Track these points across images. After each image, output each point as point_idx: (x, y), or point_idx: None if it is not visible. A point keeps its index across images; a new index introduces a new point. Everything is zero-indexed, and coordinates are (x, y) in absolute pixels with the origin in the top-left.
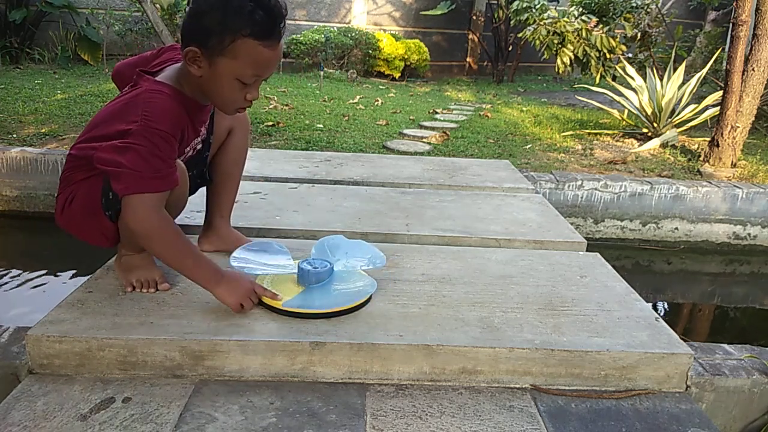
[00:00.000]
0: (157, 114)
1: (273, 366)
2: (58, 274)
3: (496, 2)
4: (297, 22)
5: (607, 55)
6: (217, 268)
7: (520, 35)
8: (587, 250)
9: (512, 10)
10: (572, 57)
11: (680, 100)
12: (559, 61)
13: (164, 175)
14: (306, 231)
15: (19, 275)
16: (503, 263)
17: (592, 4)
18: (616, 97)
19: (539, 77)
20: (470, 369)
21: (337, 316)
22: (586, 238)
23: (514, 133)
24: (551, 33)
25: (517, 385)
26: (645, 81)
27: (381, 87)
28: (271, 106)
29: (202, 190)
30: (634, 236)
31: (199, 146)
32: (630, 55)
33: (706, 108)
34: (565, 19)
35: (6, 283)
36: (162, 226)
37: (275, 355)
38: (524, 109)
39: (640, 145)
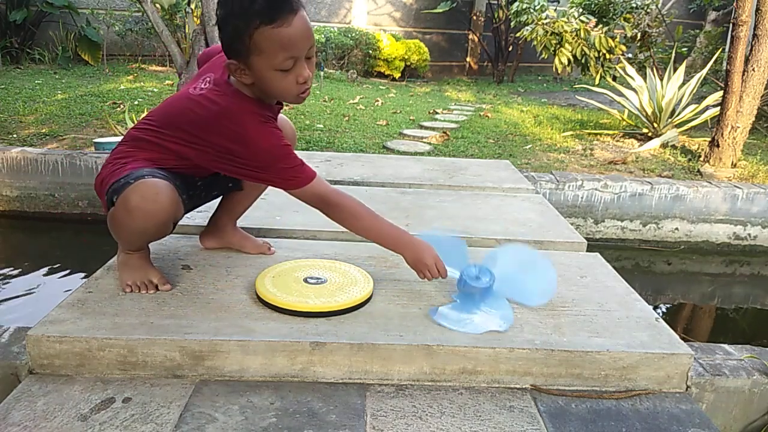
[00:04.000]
0: (264, 133)
1: (273, 366)
2: (58, 274)
3: (496, 2)
4: None
5: (607, 56)
6: (403, 231)
7: (518, 34)
8: (587, 251)
9: (512, 11)
10: (570, 57)
11: (680, 100)
12: (557, 61)
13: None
14: (306, 231)
15: (19, 275)
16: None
17: (592, 5)
18: (616, 98)
19: (539, 77)
20: (470, 369)
21: (337, 315)
22: (586, 238)
23: (514, 133)
24: (549, 33)
25: (518, 386)
26: (645, 81)
27: (381, 87)
28: None
29: None
30: (634, 236)
31: None
32: (630, 55)
33: (706, 108)
34: (564, 19)
35: (6, 283)
36: (345, 195)
37: (275, 355)
38: (524, 109)
39: (641, 145)
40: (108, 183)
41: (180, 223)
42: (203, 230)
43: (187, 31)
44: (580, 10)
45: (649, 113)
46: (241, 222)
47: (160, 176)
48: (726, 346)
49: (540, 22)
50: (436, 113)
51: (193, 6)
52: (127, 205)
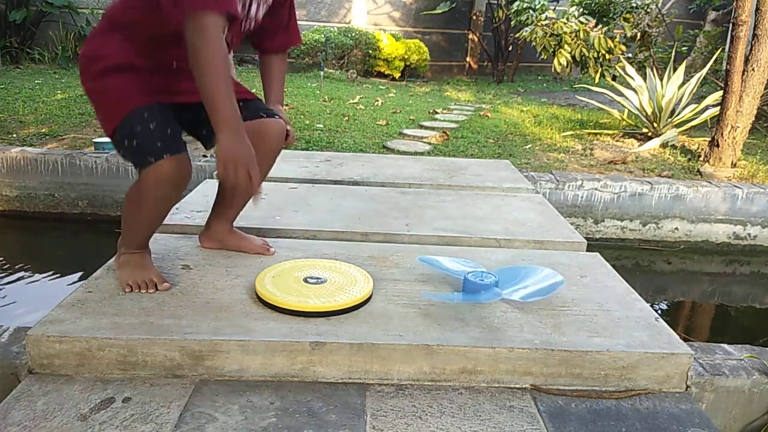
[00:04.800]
0: None
1: (273, 366)
2: (58, 274)
3: (496, 2)
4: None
5: (606, 56)
6: (239, 116)
7: (517, 35)
8: (587, 250)
9: (512, 10)
10: (569, 58)
11: (680, 100)
12: (555, 62)
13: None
14: (306, 231)
15: (19, 275)
16: (503, 263)
17: (592, 5)
18: (616, 97)
19: (539, 77)
20: (470, 369)
21: (337, 315)
22: (586, 238)
23: (514, 133)
24: (548, 34)
25: (517, 385)
26: (645, 81)
27: (381, 87)
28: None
29: (205, 190)
30: (634, 236)
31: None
32: (630, 55)
33: (706, 108)
34: (563, 20)
35: (6, 283)
36: (222, 54)
37: (275, 355)
38: (524, 109)
39: (640, 145)
40: (110, 120)
41: (180, 223)
42: (201, 231)
43: None
44: (581, 10)
45: (649, 113)
46: (241, 222)
47: (169, 137)
48: (726, 346)
49: (539, 23)
50: (436, 113)
51: None
52: (158, 178)
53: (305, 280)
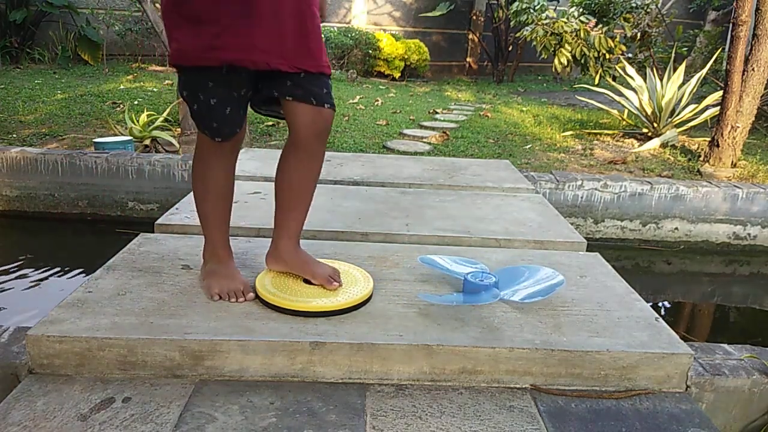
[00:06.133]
0: None
1: (273, 366)
2: (58, 274)
3: (496, 2)
4: None
5: (607, 56)
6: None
7: (518, 35)
8: (587, 250)
9: (512, 11)
10: (570, 58)
11: (680, 100)
12: (556, 61)
13: None
14: (306, 231)
15: (19, 275)
16: (503, 263)
17: (592, 5)
18: (616, 97)
19: (539, 77)
20: (470, 369)
21: (337, 315)
22: (586, 238)
23: (514, 133)
24: (549, 34)
25: (517, 385)
26: (645, 81)
27: (381, 87)
28: None
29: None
30: (634, 236)
31: None
32: (630, 55)
33: (706, 108)
34: (563, 19)
35: (6, 283)
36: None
37: (275, 355)
38: (524, 109)
39: (640, 145)
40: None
41: (180, 223)
42: (268, 251)
43: None
44: (580, 10)
45: (649, 113)
46: (240, 222)
47: (227, 118)
48: (726, 346)
49: (540, 23)
50: (436, 113)
51: None
52: (213, 142)
53: (305, 280)
